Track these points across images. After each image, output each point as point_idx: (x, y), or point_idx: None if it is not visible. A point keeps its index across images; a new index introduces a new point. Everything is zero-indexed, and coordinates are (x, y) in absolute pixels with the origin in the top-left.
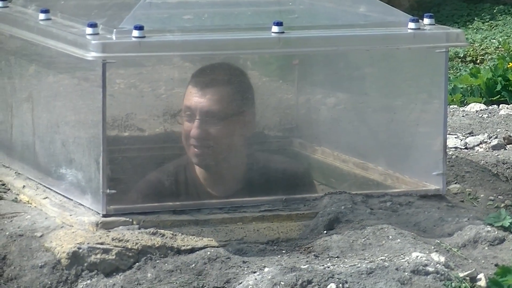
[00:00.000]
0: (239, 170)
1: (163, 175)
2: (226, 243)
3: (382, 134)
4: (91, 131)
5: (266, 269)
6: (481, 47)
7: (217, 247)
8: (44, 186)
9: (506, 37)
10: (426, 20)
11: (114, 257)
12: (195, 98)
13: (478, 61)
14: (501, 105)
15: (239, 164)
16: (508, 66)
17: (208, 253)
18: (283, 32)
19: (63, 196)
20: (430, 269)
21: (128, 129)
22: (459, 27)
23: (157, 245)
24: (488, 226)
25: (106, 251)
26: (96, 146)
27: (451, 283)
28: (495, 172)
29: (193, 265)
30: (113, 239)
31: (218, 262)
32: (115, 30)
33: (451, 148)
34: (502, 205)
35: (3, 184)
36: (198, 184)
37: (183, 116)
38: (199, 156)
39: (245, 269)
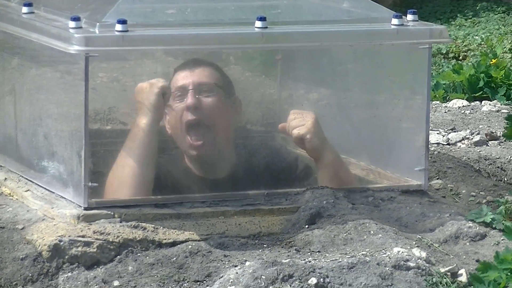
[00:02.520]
0: (229, 155)
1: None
2: (208, 237)
3: (364, 130)
4: (74, 124)
5: (247, 263)
6: (464, 44)
7: (199, 240)
8: (26, 178)
9: (488, 34)
10: (410, 17)
11: (95, 250)
12: (185, 76)
13: (461, 57)
14: (483, 102)
15: (229, 150)
16: (491, 62)
17: (190, 246)
18: (266, 27)
19: (45, 189)
20: (411, 264)
21: (110, 123)
22: (442, 24)
23: (138, 238)
24: (469, 222)
25: (87, 244)
26: (78, 139)
27: (432, 278)
28: (477, 168)
29: (174, 258)
30: (94, 232)
31: (199, 255)
32: (98, 24)
33: (433, 144)
34: (484, 201)
35: None
36: (190, 171)
37: (171, 105)
38: (195, 129)
39: (226, 263)
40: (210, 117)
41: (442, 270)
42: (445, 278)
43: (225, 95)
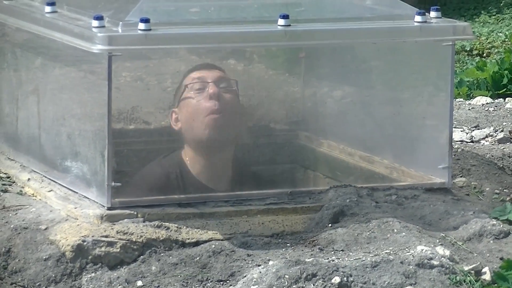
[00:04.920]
0: (231, 163)
1: (162, 169)
2: (231, 236)
3: (388, 127)
4: (97, 124)
5: (270, 262)
6: (488, 41)
7: (222, 240)
8: (49, 179)
9: None
10: (433, 13)
11: (118, 250)
12: (203, 72)
13: (485, 54)
14: (507, 99)
15: (232, 156)
16: None
17: (213, 246)
18: (289, 25)
19: (68, 189)
20: (435, 262)
21: (133, 122)
22: (465, 21)
23: (161, 238)
24: (493, 219)
25: (111, 244)
26: (101, 139)
27: (456, 276)
28: (501, 165)
29: (198, 258)
30: (117, 232)
31: (222, 255)
32: (121, 23)
33: (457, 141)
34: (508, 198)
35: (8, 177)
36: (192, 178)
37: (188, 97)
38: (218, 121)
39: (250, 262)
40: (230, 112)
41: (466, 268)
42: (469, 276)
43: (239, 99)
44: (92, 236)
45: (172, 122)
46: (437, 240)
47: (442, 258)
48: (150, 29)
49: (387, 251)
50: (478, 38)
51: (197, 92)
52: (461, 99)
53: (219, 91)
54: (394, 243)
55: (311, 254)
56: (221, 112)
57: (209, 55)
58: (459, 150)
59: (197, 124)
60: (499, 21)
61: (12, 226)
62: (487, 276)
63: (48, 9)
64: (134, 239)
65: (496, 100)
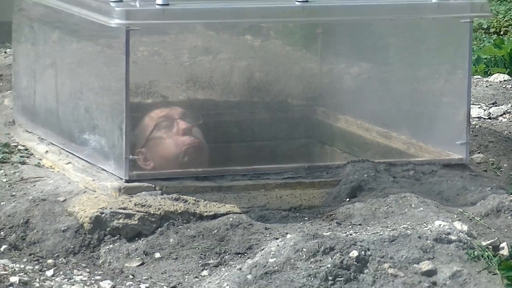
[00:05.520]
0: None
1: None
2: (249, 209)
3: (405, 104)
4: (115, 98)
5: (288, 236)
6: (505, 19)
7: (240, 213)
8: (67, 151)
9: None
10: None
11: (136, 222)
12: (166, 110)
13: (502, 32)
14: None
15: None
16: None
17: (231, 219)
18: (307, 1)
19: (86, 161)
20: (453, 237)
21: (151, 96)
22: None
23: (179, 211)
24: (511, 195)
25: (129, 216)
26: (119, 113)
27: (474, 251)
28: None
29: (216, 231)
30: (135, 204)
31: (240, 228)
32: None
33: (474, 118)
34: None
35: (26, 149)
36: None
37: (157, 136)
38: (196, 147)
39: (267, 235)
40: (202, 141)
41: (484, 243)
42: (486, 251)
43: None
44: (110, 208)
45: (140, 163)
46: (455, 215)
47: (460, 233)
48: (168, 4)
49: (404, 225)
50: (495, 16)
51: (166, 130)
52: (479, 76)
53: (191, 125)
54: (411, 218)
55: (329, 228)
56: (197, 141)
57: (226, 30)
58: (476, 126)
59: (173, 158)
60: None
61: (30, 197)
62: (504, 251)
63: None
64: (152, 212)
65: None
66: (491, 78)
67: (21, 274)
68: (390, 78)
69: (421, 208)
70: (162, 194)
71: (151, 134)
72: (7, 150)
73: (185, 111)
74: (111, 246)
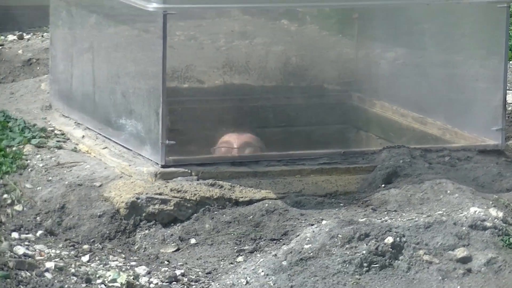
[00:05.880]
0: None
1: None
2: (284, 195)
3: (441, 89)
4: (151, 82)
5: (323, 222)
6: None
7: (275, 199)
8: (104, 136)
9: None
10: None
11: (172, 207)
12: (233, 136)
13: None
14: None
15: None
16: None
17: (266, 205)
18: None
19: (123, 146)
20: (488, 224)
21: (187, 81)
22: None
23: (215, 197)
24: None
25: (165, 201)
26: (155, 97)
27: (509, 238)
28: None
29: (251, 216)
30: (171, 190)
31: (275, 214)
32: None
33: (510, 103)
34: None
35: (63, 134)
36: None
37: None
38: None
39: (303, 221)
40: None
41: None
42: None
43: None
44: (146, 194)
45: None
46: (490, 202)
47: (495, 220)
48: None
49: (440, 212)
50: None
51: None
52: None
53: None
54: (447, 204)
55: (364, 214)
56: None
57: (262, 15)
58: None
59: None
60: None
61: (66, 182)
62: None
63: None
64: (187, 197)
65: None
66: None
67: (56, 259)
68: (426, 64)
69: (457, 195)
70: (198, 180)
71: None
72: (44, 135)
73: (249, 142)
74: (146, 231)
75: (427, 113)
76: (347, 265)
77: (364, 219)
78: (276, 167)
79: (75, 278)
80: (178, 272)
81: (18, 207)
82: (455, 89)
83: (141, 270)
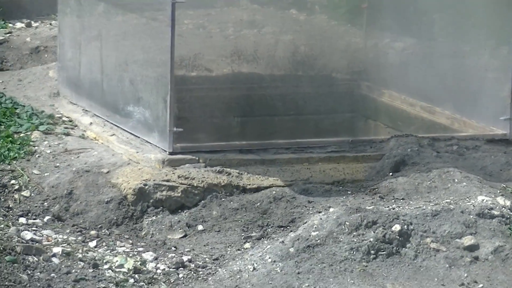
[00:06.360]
0: None
1: None
2: (292, 183)
3: (450, 79)
4: (159, 70)
5: (331, 209)
6: None
7: (283, 186)
8: (111, 123)
9: None
10: None
11: (180, 194)
12: None
13: None
14: None
15: None
16: None
17: (274, 192)
18: None
19: (130, 133)
20: (496, 212)
21: (195, 69)
22: None
23: (223, 184)
24: None
25: (172, 188)
26: (163, 85)
27: None
28: None
29: (258, 204)
30: (179, 177)
31: (283, 201)
32: None
33: None
34: None
35: (71, 121)
36: None
37: None
38: None
39: (310, 209)
40: None
41: None
42: None
43: None
44: (154, 180)
45: None
46: (498, 191)
47: (503, 208)
48: None
49: (447, 200)
50: None
51: None
52: None
53: None
54: (454, 193)
55: (372, 202)
56: None
57: (271, 4)
58: None
59: None
60: None
61: (74, 169)
62: None
63: None
64: (195, 184)
65: None
66: None
67: (64, 245)
68: (435, 53)
69: (464, 183)
70: (205, 167)
71: None
72: (52, 122)
73: None
74: (154, 218)
75: (436, 103)
76: (354, 252)
77: (371, 207)
78: (284, 155)
79: (82, 263)
80: (185, 258)
81: (26, 193)
82: (464, 79)
83: (148, 256)
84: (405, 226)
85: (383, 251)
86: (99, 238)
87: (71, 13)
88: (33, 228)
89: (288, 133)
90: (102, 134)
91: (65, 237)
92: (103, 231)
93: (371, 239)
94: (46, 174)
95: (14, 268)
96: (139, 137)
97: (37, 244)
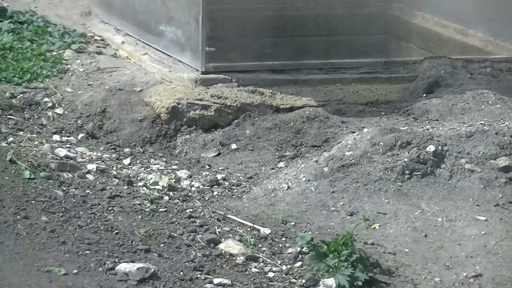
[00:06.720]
0: None
1: None
2: (325, 103)
3: (483, 1)
4: None
5: (365, 130)
6: None
7: (316, 106)
8: (143, 42)
9: None
10: None
11: (213, 113)
12: None
13: None
14: None
15: None
16: None
17: (307, 112)
18: None
19: (162, 52)
20: None
21: None
22: None
23: (256, 103)
24: None
25: (205, 107)
26: (196, 4)
27: None
28: None
29: (292, 123)
30: (212, 96)
31: (316, 121)
32: None
33: None
34: None
35: (102, 40)
36: None
37: None
38: None
39: (344, 129)
40: None
41: None
42: None
43: None
44: (187, 99)
45: None
46: None
47: None
48: None
49: (481, 122)
50: None
51: None
52: None
53: None
54: (489, 115)
55: (406, 123)
56: None
57: None
58: None
59: None
60: None
61: (107, 87)
62: None
63: None
64: (228, 103)
65: None
66: None
67: (98, 162)
68: None
69: (498, 105)
70: (238, 86)
71: None
72: (84, 40)
73: None
74: (187, 136)
75: (469, 24)
76: (389, 172)
77: (405, 128)
78: (317, 75)
79: (116, 180)
80: (219, 176)
81: (59, 110)
82: (497, 1)
83: (183, 173)
84: (440, 147)
85: (417, 171)
86: (133, 156)
87: None
88: (67, 146)
89: (321, 53)
90: (134, 53)
91: (99, 154)
92: (136, 149)
93: (406, 160)
94: (79, 92)
95: (49, 184)
96: (171, 56)
97: (71, 161)
